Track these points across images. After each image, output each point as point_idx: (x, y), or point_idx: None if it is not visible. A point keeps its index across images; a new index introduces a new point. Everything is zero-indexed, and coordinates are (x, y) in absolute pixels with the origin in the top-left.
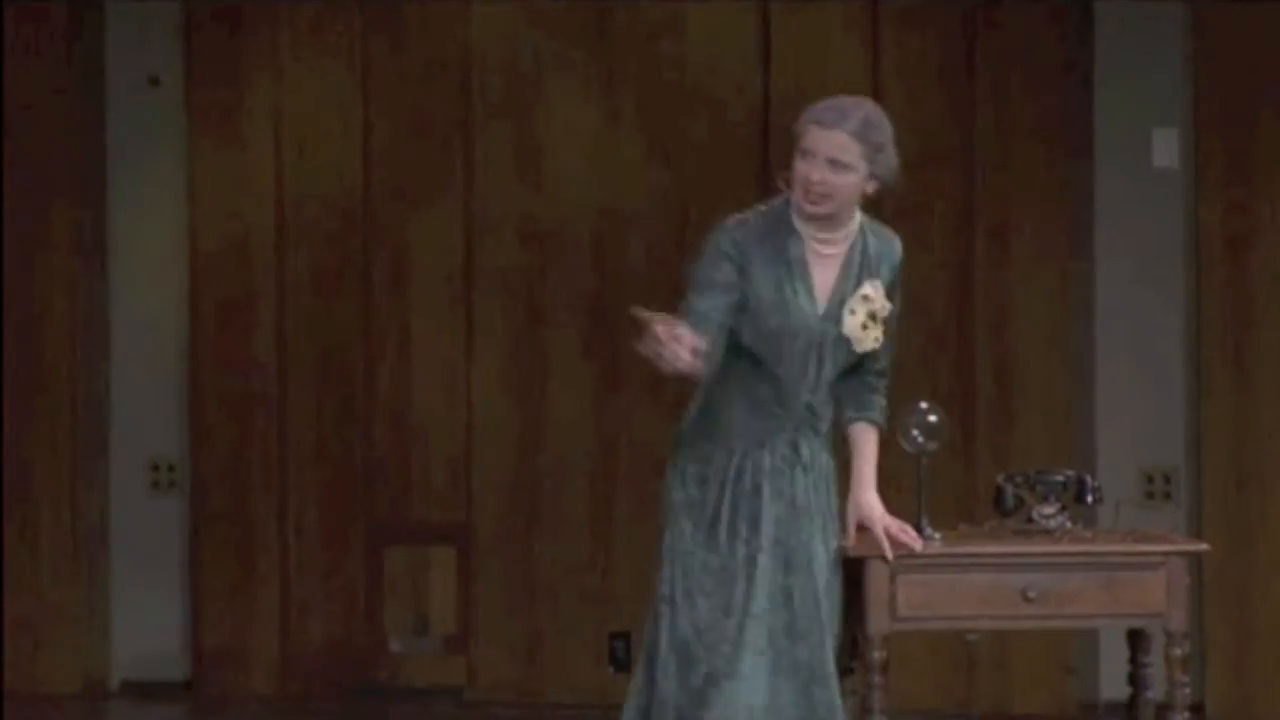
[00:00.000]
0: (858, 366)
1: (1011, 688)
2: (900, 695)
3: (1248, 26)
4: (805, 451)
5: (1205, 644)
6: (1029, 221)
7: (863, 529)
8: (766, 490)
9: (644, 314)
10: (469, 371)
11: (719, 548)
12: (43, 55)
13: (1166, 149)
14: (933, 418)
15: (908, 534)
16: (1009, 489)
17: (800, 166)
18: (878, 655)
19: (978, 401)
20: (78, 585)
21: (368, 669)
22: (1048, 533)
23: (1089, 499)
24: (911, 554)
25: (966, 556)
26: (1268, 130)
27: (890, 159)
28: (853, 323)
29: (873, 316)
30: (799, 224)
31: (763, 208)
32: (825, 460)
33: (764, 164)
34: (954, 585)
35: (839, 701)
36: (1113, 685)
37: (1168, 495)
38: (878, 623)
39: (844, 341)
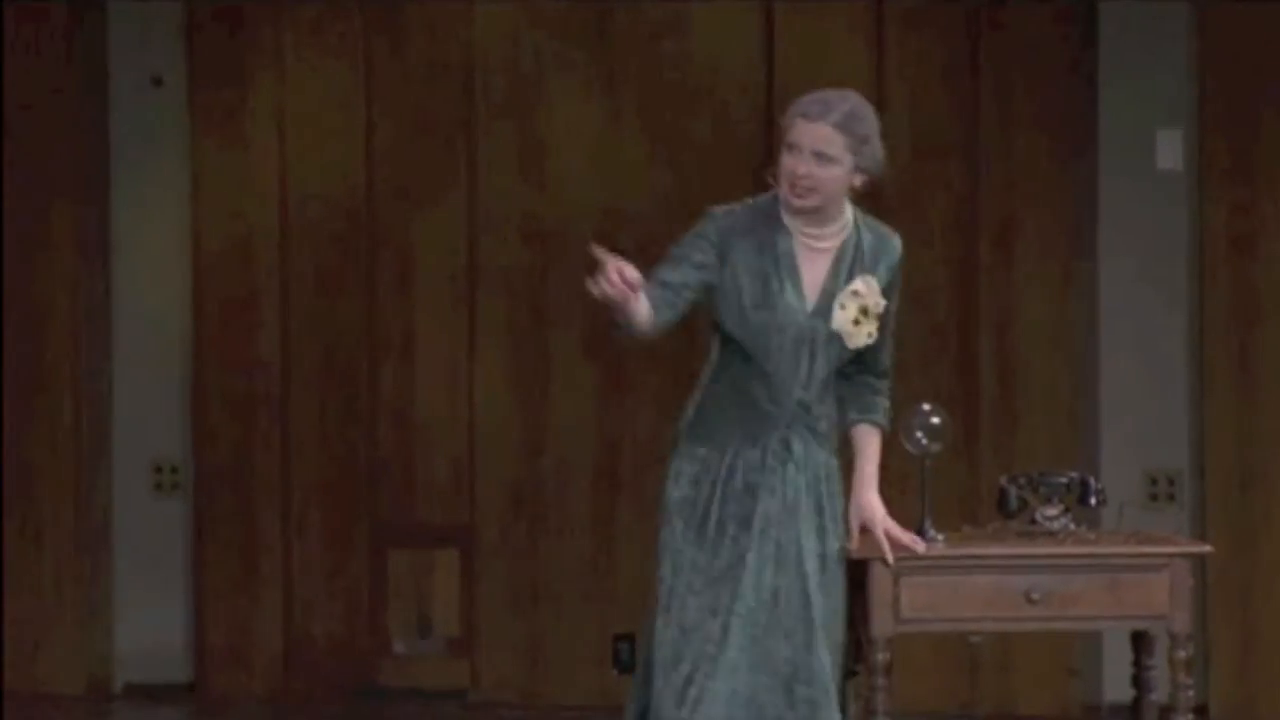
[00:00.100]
0: (860, 368)
1: (1015, 690)
2: (904, 697)
3: (1253, 27)
4: (798, 449)
5: (1209, 646)
6: (1033, 222)
7: (865, 531)
8: (758, 488)
9: (602, 253)
10: (472, 371)
11: (709, 546)
12: (43, 55)
13: (1171, 149)
14: (936, 419)
15: (908, 536)
16: (1012, 491)
17: (786, 160)
18: (881, 657)
19: (981, 403)
20: (80, 586)
21: (371, 671)
22: (1051, 534)
23: (1092, 501)
24: (915, 556)
25: (970, 558)
26: (1272, 131)
27: (876, 151)
28: (843, 318)
29: (864, 311)
30: (788, 219)
31: (751, 201)
32: (824, 459)
33: (767, 164)
34: (957, 587)
35: (826, 700)
36: (1116, 687)
37: (1171, 497)
38: (881, 625)
39: (836, 338)
